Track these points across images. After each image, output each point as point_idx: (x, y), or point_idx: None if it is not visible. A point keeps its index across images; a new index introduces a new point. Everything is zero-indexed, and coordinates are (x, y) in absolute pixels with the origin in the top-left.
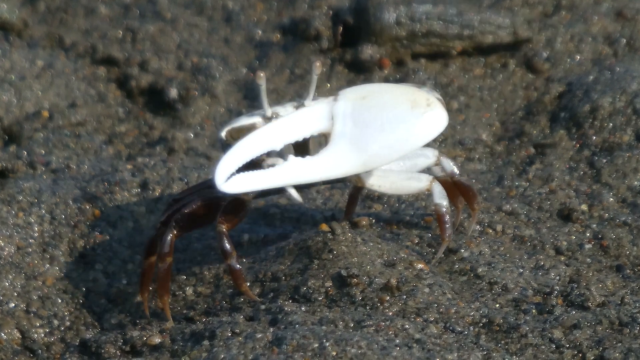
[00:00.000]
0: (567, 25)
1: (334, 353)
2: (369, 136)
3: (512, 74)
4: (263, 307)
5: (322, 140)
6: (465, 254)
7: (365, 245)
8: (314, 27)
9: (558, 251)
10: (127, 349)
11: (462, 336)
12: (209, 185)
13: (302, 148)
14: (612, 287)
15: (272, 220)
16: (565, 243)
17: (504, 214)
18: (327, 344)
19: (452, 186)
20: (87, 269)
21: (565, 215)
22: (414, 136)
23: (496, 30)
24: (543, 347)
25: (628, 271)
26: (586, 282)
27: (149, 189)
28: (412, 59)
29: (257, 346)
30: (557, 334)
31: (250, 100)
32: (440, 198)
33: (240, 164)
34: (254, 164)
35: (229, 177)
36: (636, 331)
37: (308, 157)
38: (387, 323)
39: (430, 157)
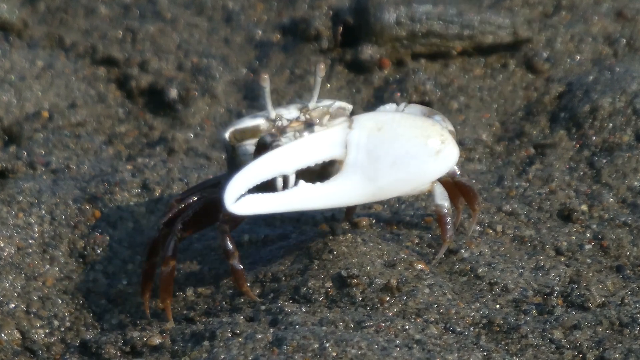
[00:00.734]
0: (567, 25)
1: (334, 354)
2: (381, 170)
3: (512, 74)
4: (263, 307)
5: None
6: (466, 255)
7: (366, 245)
8: (314, 27)
9: (558, 252)
10: (127, 349)
11: (462, 337)
12: (210, 184)
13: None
14: (612, 288)
15: (272, 221)
16: (565, 243)
17: (504, 214)
18: (328, 345)
19: (453, 187)
20: (87, 269)
21: (566, 216)
22: (425, 173)
23: (496, 31)
24: (543, 347)
25: (628, 271)
26: (586, 282)
27: (149, 190)
28: (412, 59)
29: (258, 347)
30: (558, 334)
31: (250, 101)
32: (442, 199)
33: (250, 186)
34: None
35: (238, 199)
36: (636, 332)
37: (318, 184)
38: (387, 323)
39: None
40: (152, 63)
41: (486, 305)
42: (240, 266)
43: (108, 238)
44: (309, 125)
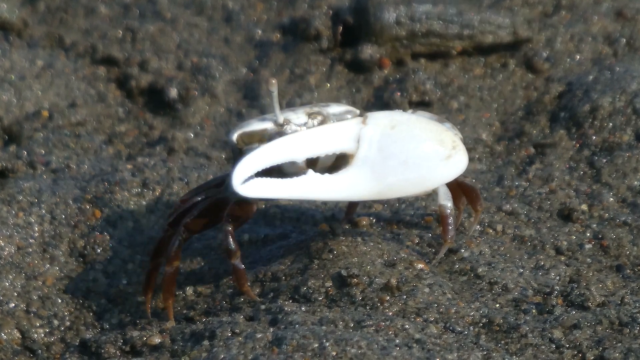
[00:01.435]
0: (567, 25)
1: (334, 353)
2: (390, 168)
3: (512, 73)
4: (263, 307)
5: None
6: (466, 254)
7: (366, 245)
8: (314, 27)
9: (558, 251)
10: (127, 349)
11: (462, 336)
12: (215, 184)
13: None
14: (612, 287)
15: (272, 220)
16: (565, 243)
17: (504, 213)
18: (327, 344)
19: (456, 187)
20: (87, 269)
21: (565, 215)
22: (434, 176)
23: (496, 30)
24: (543, 347)
25: (628, 271)
26: (586, 282)
27: (149, 189)
28: (412, 58)
29: (257, 346)
30: (557, 334)
31: (250, 100)
32: (445, 199)
33: (259, 168)
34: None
35: (246, 180)
36: (636, 331)
37: (327, 175)
38: (387, 323)
39: None
40: (152, 63)
41: (486, 304)
42: (242, 266)
43: (108, 237)
44: None
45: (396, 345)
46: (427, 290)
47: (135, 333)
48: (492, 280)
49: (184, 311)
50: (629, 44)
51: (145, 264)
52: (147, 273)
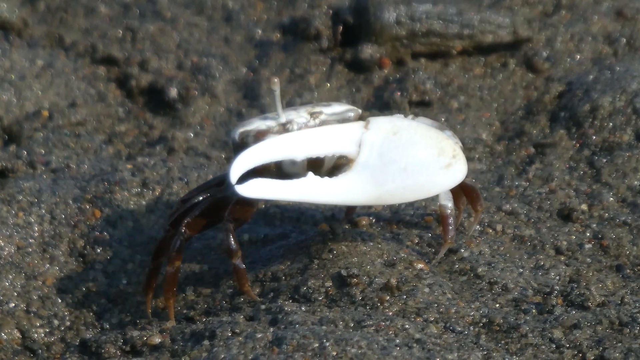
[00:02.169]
0: (567, 24)
1: (334, 353)
2: (390, 174)
3: (512, 73)
4: (263, 307)
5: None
6: (465, 254)
7: (365, 245)
8: (314, 27)
9: (558, 251)
10: (127, 348)
11: (462, 336)
12: (215, 184)
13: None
14: (612, 287)
15: (272, 220)
16: (565, 243)
17: (504, 213)
18: (327, 344)
19: (457, 188)
20: (87, 269)
21: (565, 215)
22: (433, 184)
23: (496, 30)
24: (543, 347)
25: (628, 271)
26: (586, 282)
27: (149, 189)
28: (412, 58)
29: (257, 346)
30: (557, 333)
31: (250, 100)
32: (446, 199)
33: (256, 164)
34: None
35: (246, 179)
36: (636, 331)
37: (327, 178)
38: (387, 323)
39: None
40: (152, 62)
41: (486, 304)
42: (243, 265)
43: (108, 237)
44: None
45: (396, 345)
46: (427, 290)
47: (136, 333)
48: (492, 280)
49: (184, 311)
50: (629, 43)
51: (146, 264)
52: (148, 273)
